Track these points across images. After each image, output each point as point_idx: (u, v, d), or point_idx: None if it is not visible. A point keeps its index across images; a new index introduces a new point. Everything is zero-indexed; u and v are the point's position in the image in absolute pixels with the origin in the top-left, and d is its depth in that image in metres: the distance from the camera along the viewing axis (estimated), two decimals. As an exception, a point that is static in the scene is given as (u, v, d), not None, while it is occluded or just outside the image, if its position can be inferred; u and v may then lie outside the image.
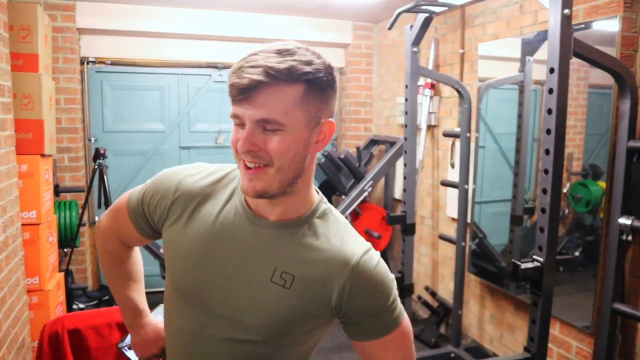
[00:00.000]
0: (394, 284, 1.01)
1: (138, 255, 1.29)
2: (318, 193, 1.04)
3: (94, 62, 4.09)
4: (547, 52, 1.78)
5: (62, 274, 3.18)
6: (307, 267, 0.95)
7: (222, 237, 0.99)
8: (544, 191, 1.80)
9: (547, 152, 1.79)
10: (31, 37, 2.79)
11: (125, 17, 3.95)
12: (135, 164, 4.26)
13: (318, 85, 0.88)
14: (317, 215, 1.00)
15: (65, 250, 3.66)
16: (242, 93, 0.85)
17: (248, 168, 0.89)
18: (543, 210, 1.81)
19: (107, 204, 3.53)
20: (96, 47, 4.06)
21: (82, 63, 4.02)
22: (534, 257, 1.84)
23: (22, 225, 2.56)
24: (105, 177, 3.55)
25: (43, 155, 2.82)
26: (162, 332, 1.20)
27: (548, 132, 1.78)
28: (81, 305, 3.65)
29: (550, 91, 1.77)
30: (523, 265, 1.81)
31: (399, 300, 1.02)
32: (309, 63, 0.86)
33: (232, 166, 1.06)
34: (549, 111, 1.77)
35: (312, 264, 0.96)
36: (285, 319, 0.96)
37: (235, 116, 0.89)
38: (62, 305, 3.09)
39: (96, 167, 3.57)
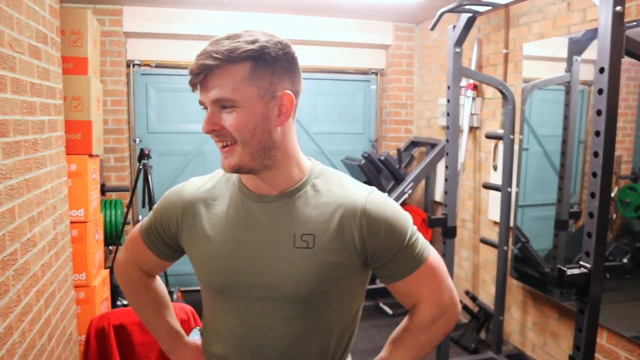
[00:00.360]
0: (409, 219, 1.05)
1: (160, 282, 1.31)
2: (310, 160, 1.10)
3: (139, 65, 4.21)
4: (597, 51, 1.72)
5: (107, 270, 3.28)
6: (322, 222, 1.00)
7: (238, 225, 1.04)
8: (592, 195, 1.74)
9: (595, 154, 1.73)
10: (81, 41, 2.89)
11: (169, 20, 4.05)
12: (178, 164, 4.35)
13: (265, 60, 0.93)
14: (315, 175, 1.06)
15: (110, 248, 3.78)
16: (195, 78, 0.93)
17: (222, 147, 0.98)
18: (591, 215, 1.75)
19: (151, 203, 3.61)
20: (141, 50, 4.18)
21: (128, 66, 4.14)
22: (581, 263, 1.78)
23: (71, 223, 2.65)
24: (149, 177, 3.64)
25: (91, 156, 2.91)
26: (202, 351, 1.21)
27: (597, 134, 1.72)
28: (124, 302, 3.75)
29: (600, 92, 1.71)
30: (569, 271, 1.75)
31: (421, 236, 1.06)
32: (253, 42, 0.92)
33: None
34: (598, 112, 1.71)
35: (325, 217, 1.00)
36: (321, 277, 1.00)
37: (200, 102, 0.97)
38: (107, 301, 3.19)
39: (141, 167, 3.66)
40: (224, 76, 0.92)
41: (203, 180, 1.14)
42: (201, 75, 0.93)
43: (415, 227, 1.06)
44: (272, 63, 0.94)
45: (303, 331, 1.04)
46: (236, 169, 0.98)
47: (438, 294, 1.07)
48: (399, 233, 1.02)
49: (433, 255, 1.07)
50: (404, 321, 1.14)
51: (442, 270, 1.08)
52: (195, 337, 1.28)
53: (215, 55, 0.91)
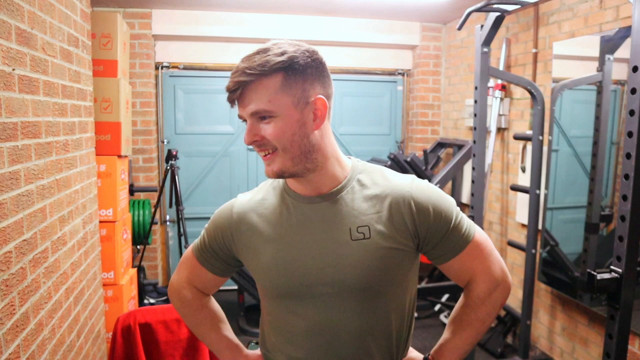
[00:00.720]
0: (453, 200, 1.12)
1: (215, 301, 1.33)
2: (350, 158, 1.16)
3: (167, 67, 4.27)
4: (630, 50, 1.67)
5: (135, 269, 3.33)
6: (374, 213, 1.06)
7: (294, 229, 1.08)
8: (624, 198, 1.70)
9: (628, 156, 1.68)
10: (111, 44, 2.95)
11: (197, 23, 4.10)
12: (205, 165, 4.40)
13: (295, 70, 0.99)
14: (358, 171, 1.12)
15: (138, 247, 3.84)
16: (233, 94, 1.00)
17: (265, 156, 1.04)
18: (622, 218, 1.70)
19: (178, 203, 3.66)
20: (170, 52, 4.25)
21: (156, 68, 4.22)
22: (612, 267, 1.74)
23: (100, 222, 2.71)
24: (176, 177, 3.69)
25: (120, 156, 2.97)
26: None
27: (630, 134, 1.67)
28: (152, 301, 3.81)
29: (634, 91, 1.66)
30: (599, 276, 1.71)
31: (465, 216, 1.13)
32: (282, 54, 0.98)
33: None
34: (631, 112, 1.66)
35: (376, 208, 1.07)
36: (380, 265, 1.05)
37: (239, 116, 1.04)
38: (134, 300, 3.24)
39: (168, 167, 3.71)
40: (258, 90, 0.98)
41: (251, 193, 1.20)
42: (238, 92, 0.99)
43: (459, 209, 1.13)
44: (302, 71, 1.00)
45: (369, 322, 1.08)
46: (279, 174, 1.04)
47: (489, 267, 1.13)
48: (447, 213, 1.08)
49: (479, 232, 1.13)
50: (460, 300, 1.19)
51: (489, 245, 1.14)
52: (255, 350, 1.29)
53: (249, 71, 0.97)
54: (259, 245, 1.11)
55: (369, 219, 1.06)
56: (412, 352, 1.21)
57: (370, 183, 1.10)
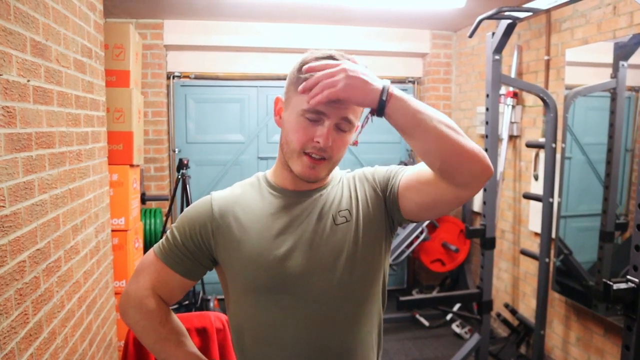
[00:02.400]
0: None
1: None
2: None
3: (179, 77, 4.31)
4: (644, 57, 1.66)
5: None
6: (347, 196, 1.13)
7: (279, 221, 1.09)
8: (640, 206, 1.67)
9: (643, 164, 1.66)
10: (124, 54, 2.98)
11: (208, 33, 4.13)
12: (216, 174, 4.41)
13: None
14: (345, 172, 1.21)
15: (150, 255, 3.84)
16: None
17: (314, 159, 1.03)
18: (639, 227, 1.68)
19: (189, 211, 3.66)
20: (181, 62, 4.28)
21: (168, 77, 4.25)
22: (629, 277, 1.71)
23: (112, 231, 2.72)
24: (187, 186, 3.70)
25: (132, 166, 2.99)
26: None
27: (645, 142, 1.65)
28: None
29: (648, 99, 1.64)
30: (615, 286, 1.69)
31: None
32: None
33: (246, 179, 1.23)
34: (646, 120, 1.64)
35: (351, 194, 1.14)
36: (370, 238, 1.10)
37: (317, 112, 1.00)
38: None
39: (179, 176, 3.72)
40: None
41: (227, 190, 1.18)
42: None
43: None
44: None
45: (356, 310, 1.09)
46: (316, 180, 1.08)
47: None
48: (381, 167, 1.19)
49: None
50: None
51: None
52: None
53: None
54: (243, 238, 1.08)
55: (345, 203, 1.12)
56: None
57: (349, 178, 1.18)
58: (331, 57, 1.01)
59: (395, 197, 1.10)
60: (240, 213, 1.11)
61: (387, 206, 1.13)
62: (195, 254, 1.12)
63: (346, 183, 1.17)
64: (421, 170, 1.06)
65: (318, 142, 1.01)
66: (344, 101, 0.96)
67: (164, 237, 1.16)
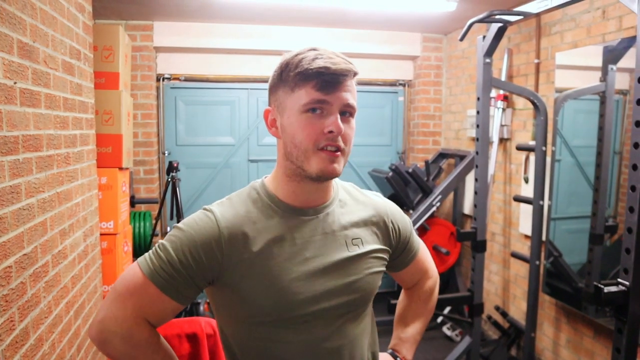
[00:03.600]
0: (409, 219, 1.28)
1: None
2: None
3: (168, 79, 4.28)
4: (635, 60, 1.67)
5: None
6: (364, 225, 1.12)
7: (292, 244, 1.02)
8: (631, 209, 1.68)
9: (634, 167, 1.67)
10: (113, 56, 2.95)
11: (198, 35, 4.11)
12: (206, 177, 4.38)
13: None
14: (339, 185, 1.16)
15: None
16: (341, 76, 0.96)
17: (331, 152, 0.97)
18: (629, 230, 1.69)
19: (179, 215, 3.64)
20: (171, 64, 4.25)
21: (158, 80, 4.22)
22: (619, 280, 1.71)
23: (101, 234, 2.69)
24: (177, 189, 3.67)
25: (121, 168, 2.95)
26: None
27: (635, 146, 1.66)
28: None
29: (639, 102, 1.65)
30: (606, 289, 1.69)
31: None
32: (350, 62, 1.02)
33: (241, 190, 1.11)
34: (637, 124, 1.65)
35: (363, 220, 1.13)
36: (374, 273, 1.11)
37: (320, 102, 0.96)
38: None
39: (169, 179, 3.70)
40: (352, 86, 1.00)
41: (227, 206, 1.05)
42: (347, 77, 0.97)
43: None
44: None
45: (364, 329, 1.13)
46: (337, 175, 1.01)
47: (432, 265, 1.34)
48: (408, 229, 1.23)
49: (419, 238, 1.30)
50: (407, 297, 1.35)
51: (426, 247, 1.33)
52: None
53: (351, 65, 0.98)
54: (254, 269, 0.99)
55: (360, 231, 1.11)
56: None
57: (350, 198, 1.15)
58: (313, 50, 1.02)
59: (395, 265, 1.24)
60: (251, 236, 1.00)
61: (390, 256, 1.19)
62: (197, 279, 0.99)
63: (356, 207, 1.14)
64: (406, 281, 1.33)
65: (331, 132, 0.95)
66: (344, 86, 0.97)
67: (153, 254, 1.00)
